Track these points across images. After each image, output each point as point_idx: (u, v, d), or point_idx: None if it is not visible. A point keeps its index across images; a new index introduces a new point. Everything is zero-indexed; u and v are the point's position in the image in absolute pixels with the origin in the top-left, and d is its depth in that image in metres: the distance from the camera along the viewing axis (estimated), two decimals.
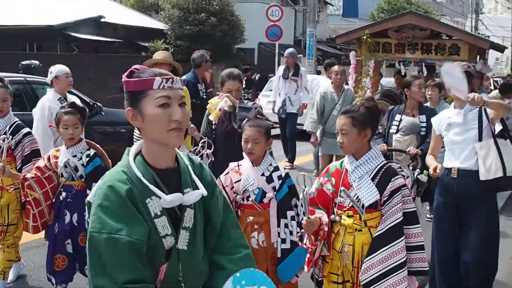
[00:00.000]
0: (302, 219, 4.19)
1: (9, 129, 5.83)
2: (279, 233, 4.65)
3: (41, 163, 5.50)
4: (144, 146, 2.51)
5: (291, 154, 12.87)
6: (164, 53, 7.84)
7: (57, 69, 7.15)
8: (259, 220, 4.65)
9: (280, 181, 4.70)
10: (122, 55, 24.07)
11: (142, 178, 2.39)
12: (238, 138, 5.47)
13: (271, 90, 17.08)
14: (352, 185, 4.08)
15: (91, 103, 11.01)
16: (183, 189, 2.52)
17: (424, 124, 7.12)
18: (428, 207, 8.75)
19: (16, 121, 5.98)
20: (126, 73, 2.44)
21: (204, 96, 9.33)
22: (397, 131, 7.18)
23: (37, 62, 12.33)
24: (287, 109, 12.59)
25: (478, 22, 58.65)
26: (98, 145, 5.57)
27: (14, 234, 6.02)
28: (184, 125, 2.49)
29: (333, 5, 46.67)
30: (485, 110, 5.27)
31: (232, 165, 4.87)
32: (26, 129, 5.99)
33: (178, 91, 2.49)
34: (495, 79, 29.36)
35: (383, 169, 4.06)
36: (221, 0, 26.99)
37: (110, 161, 5.49)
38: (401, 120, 7.18)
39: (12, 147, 5.85)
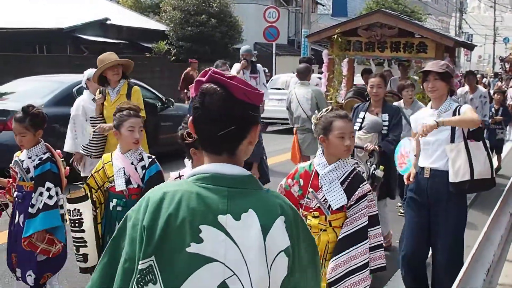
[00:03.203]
0: None
1: None
2: None
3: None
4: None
5: None
6: (111, 54, 7.22)
7: (90, 72, 7.42)
8: None
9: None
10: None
11: None
12: None
13: (272, 88, 17.50)
14: (321, 187, 4.12)
15: (164, 99, 12.64)
16: None
17: (386, 123, 6.91)
18: (399, 203, 8.61)
19: None
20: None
21: None
22: (360, 128, 6.95)
23: None
24: None
25: (462, 21, 58.86)
26: (56, 151, 5.34)
27: None
28: None
29: (323, 5, 46.81)
30: (459, 111, 5.15)
31: (172, 175, 4.49)
32: None
33: None
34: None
35: (352, 175, 4.12)
36: (220, 2, 27.18)
37: (66, 168, 5.38)
38: (364, 117, 6.97)
39: None
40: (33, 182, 5.11)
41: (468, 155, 5.13)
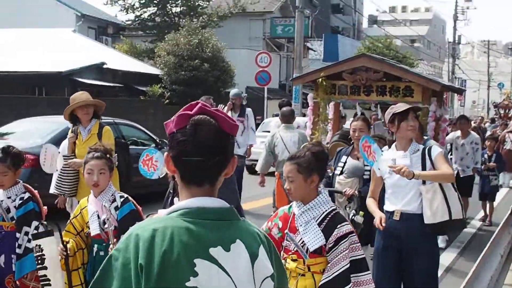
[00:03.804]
0: None
1: None
2: None
3: None
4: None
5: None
6: (84, 93, 7.28)
7: None
8: None
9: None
10: (123, 98, 25.00)
11: None
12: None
13: (263, 131, 17.27)
14: (298, 229, 3.94)
15: (157, 140, 13.04)
16: None
17: (368, 168, 6.52)
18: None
19: None
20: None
21: None
22: (341, 172, 6.80)
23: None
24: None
25: (455, 66, 58.85)
26: (35, 190, 5.29)
27: None
28: None
29: (315, 51, 47.47)
30: (428, 152, 5.15)
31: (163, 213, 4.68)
32: None
33: None
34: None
35: (330, 215, 3.90)
36: (213, 47, 27.60)
37: (44, 208, 5.28)
38: (346, 162, 6.83)
39: None
40: (14, 222, 5.05)
41: (444, 195, 5.10)
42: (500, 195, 14.24)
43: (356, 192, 6.39)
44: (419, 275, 5.18)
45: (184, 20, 31.44)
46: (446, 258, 9.03)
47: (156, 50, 29.58)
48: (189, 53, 26.88)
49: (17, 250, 4.94)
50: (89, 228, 4.70)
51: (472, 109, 76.11)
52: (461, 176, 11.33)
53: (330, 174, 6.90)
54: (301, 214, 3.94)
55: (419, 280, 5.18)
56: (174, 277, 1.90)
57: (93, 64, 25.46)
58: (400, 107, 5.28)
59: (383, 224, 5.06)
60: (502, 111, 29.00)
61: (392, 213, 5.23)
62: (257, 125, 16.90)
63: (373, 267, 5.41)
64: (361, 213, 5.65)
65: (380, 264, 5.40)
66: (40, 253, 4.45)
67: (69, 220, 4.86)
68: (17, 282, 4.97)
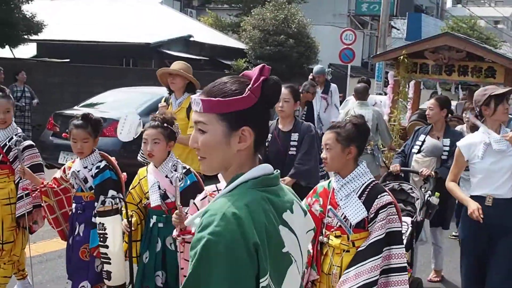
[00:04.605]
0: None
1: (9, 141, 5.51)
2: None
3: (58, 174, 5.28)
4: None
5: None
6: (181, 64, 7.00)
7: None
8: None
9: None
10: (209, 72, 25.06)
11: None
12: (288, 161, 5.80)
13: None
14: (339, 204, 3.86)
15: None
16: None
17: (447, 148, 6.61)
18: (454, 232, 8.26)
19: (19, 132, 5.63)
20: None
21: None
22: (419, 151, 6.69)
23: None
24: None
25: None
26: (111, 157, 5.19)
27: (11, 253, 5.64)
28: None
29: (398, 29, 46.77)
30: None
31: (209, 188, 4.03)
32: (28, 142, 5.59)
33: None
34: None
35: (370, 187, 3.85)
36: (298, 23, 27.57)
37: (123, 174, 5.17)
38: (424, 140, 6.71)
39: (11, 160, 5.54)
40: (92, 191, 4.99)
41: None
42: None
43: (432, 172, 6.29)
44: (507, 261, 5.06)
45: None
46: None
47: (242, 24, 29.88)
48: (274, 28, 27.02)
49: (93, 219, 4.86)
50: (147, 199, 4.59)
51: None
52: None
53: (406, 153, 6.85)
54: (340, 188, 3.87)
55: (505, 266, 5.06)
56: (277, 248, 1.95)
57: (180, 37, 26.21)
58: (495, 89, 5.17)
59: (482, 216, 4.84)
60: None
61: (481, 198, 5.05)
62: (340, 103, 16.97)
63: (461, 254, 5.39)
64: (437, 194, 5.61)
65: (468, 253, 5.29)
66: (103, 232, 4.39)
67: (128, 191, 4.80)
68: (92, 251, 4.92)
